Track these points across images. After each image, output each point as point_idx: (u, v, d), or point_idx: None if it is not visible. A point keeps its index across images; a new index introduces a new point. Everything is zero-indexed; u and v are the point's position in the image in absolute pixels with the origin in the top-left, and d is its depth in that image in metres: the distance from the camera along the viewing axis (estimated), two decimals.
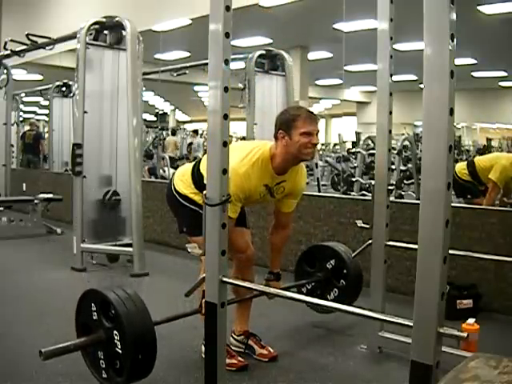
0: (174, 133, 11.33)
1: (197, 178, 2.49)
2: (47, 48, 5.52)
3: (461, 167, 4.53)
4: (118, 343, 2.06)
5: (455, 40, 1.45)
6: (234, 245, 2.51)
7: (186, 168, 2.65)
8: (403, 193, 6.86)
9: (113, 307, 2.09)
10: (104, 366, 2.14)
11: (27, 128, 10.04)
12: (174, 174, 2.76)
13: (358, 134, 9.04)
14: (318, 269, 3.11)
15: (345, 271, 3.03)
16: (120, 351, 2.06)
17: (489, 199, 4.25)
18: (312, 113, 2.40)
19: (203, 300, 2.09)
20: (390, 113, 2.60)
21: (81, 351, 2.23)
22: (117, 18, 4.62)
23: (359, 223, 2.81)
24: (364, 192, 6.78)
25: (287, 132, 2.34)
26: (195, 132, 11.54)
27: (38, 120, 11.71)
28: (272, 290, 2.28)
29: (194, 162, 2.63)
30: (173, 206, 2.69)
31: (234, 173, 2.21)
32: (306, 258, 3.19)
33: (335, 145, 11.58)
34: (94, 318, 2.17)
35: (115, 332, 2.07)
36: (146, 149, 9.15)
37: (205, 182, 2.06)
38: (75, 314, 2.28)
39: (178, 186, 2.60)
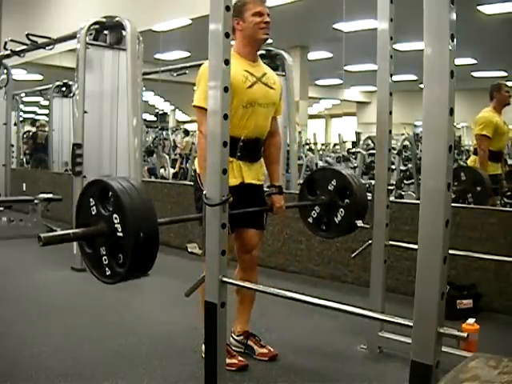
0: (187, 133, 11.64)
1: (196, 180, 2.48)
2: (47, 48, 5.52)
3: (471, 160, 4.49)
4: (120, 233, 1.89)
5: (455, 40, 1.45)
6: (240, 243, 2.51)
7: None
8: (403, 193, 6.86)
9: (114, 195, 1.91)
10: (107, 262, 1.97)
11: (32, 129, 10.06)
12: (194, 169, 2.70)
13: (357, 134, 9.04)
14: (320, 193, 2.92)
15: (348, 191, 2.84)
16: (122, 237, 1.89)
17: (480, 153, 4.20)
18: None
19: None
20: (390, 113, 2.60)
21: (81, 252, 2.08)
22: (117, 18, 4.62)
23: (359, 223, 2.81)
24: None
25: (240, 17, 2.46)
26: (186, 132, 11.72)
27: (38, 120, 11.72)
28: (272, 290, 2.27)
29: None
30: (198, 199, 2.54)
31: (204, 69, 2.27)
32: (307, 185, 3.01)
33: (335, 145, 11.57)
34: (93, 212, 1.98)
35: (116, 217, 1.90)
36: (147, 146, 9.18)
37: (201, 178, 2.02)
38: (75, 212, 2.09)
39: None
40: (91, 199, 1.98)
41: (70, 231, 1.99)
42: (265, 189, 2.69)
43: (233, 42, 2.47)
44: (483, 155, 4.19)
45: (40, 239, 1.88)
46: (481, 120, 4.24)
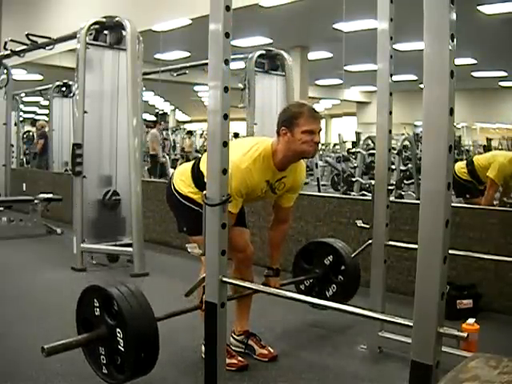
0: (191, 133, 11.98)
1: (197, 177, 2.49)
2: (47, 48, 5.52)
3: (460, 166, 4.53)
4: (121, 340, 2.04)
5: (455, 40, 1.45)
6: (233, 242, 2.51)
7: (185, 167, 2.65)
8: (403, 193, 6.86)
9: (116, 303, 2.06)
10: (105, 362, 2.12)
11: (32, 129, 10.04)
12: (173, 173, 2.75)
13: (357, 134, 9.04)
14: (315, 265, 3.09)
15: (343, 267, 3.00)
16: (122, 348, 2.05)
17: (487, 197, 4.25)
18: (315, 110, 2.40)
19: (203, 296, 2.08)
20: (390, 113, 2.60)
21: (81, 347, 2.22)
22: (117, 18, 4.62)
23: (359, 223, 2.81)
24: (364, 192, 6.78)
25: (289, 129, 2.34)
26: (190, 133, 11.80)
27: (38, 120, 11.71)
28: (271, 290, 2.28)
29: (193, 161, 2.63)
30: (173, 206, 2.68)
31: (236, 168, 2.21)
32: (303, 255, 3.16)
33: (335, 145, 11.59)
34: (96, 313, 2.15)
35: (118, 330, 2.06)
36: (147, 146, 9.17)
37: (205, 180, 2.05)
38: (76, 310, 2.26)
39: (177, 185, 2.59)
40: (95, 300, 2.15)
41: (73, 339, 2.16)
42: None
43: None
44: (490, 200, 4.26)
45: (43, 350, 2.05)
46: (501, 168, 4.24)
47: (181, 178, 2.60)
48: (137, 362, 2.03)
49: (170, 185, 2.65)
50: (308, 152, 2.37)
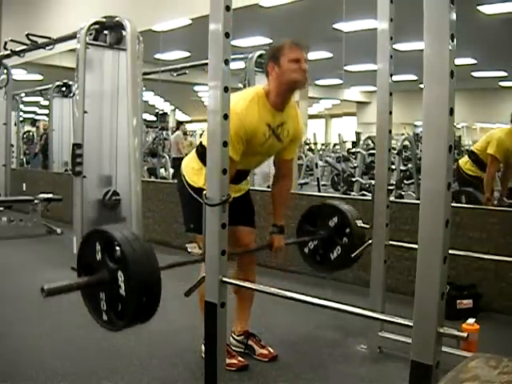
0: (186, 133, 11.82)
1: (202, 153, 2.42)
2: (47, 48, 5.51)
3: (464, 161, 4.50)
4: (122, 284, 1.94)
5: (455, 40, 1.45)
6: (239, 241, 2.56)
7: (190, 155, 2.63)
8: (403, 193, 6.86)
9: (119, 246, 1.96)
10: (105, 308, 2.02)
11: (33, 129, 10.05)
12: (181, 167, 2.66)
13: (357, 134, 9.05)
14: (319, 227, 2.95)
15: (348, 229, 2.87)
16: (123, 292, 1.94)
17: (488, 174, 4.22)
18: (297, 40, 2.39)
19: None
20: (390, 113, 2.60)
21: (81, 292, 2.13)
22: (117, 18, 4.62)
23: (359, 223, 2.81)
24: (364, 192, 6.79)
25: (276, 62, 2.35)
26: (185, 134, 11.76)
27: (38, 120, 11.72)
28: (272, 290, 2.27)
29: (194, 148, 2.64)
30: (183, 200, 2.61)
31: (233, 113, 2.15)
32: (307, 218, 3.02)
33: (335, 145, 11.59)
34: (98, 258, 2.03)
35: (119, 273, 1.95)
36: (150, 147, 9.17)
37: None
38: (77, 255, 2.15)
39: (189, 177, 2.53)
40: (97, 244, 2.03)
41: (74, 281, 2.07)
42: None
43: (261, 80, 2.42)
44: (491, 177, 4.23)
45: (43, 290, 1.95)
46: (497, 142, 4.21)
47: (190, 167, 2.55)
48: (137, 306, 1.92)
49: (180, 178, 2.60)
50: (298, 80, 2.35)
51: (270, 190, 2.75)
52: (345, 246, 2.85)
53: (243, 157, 2.36)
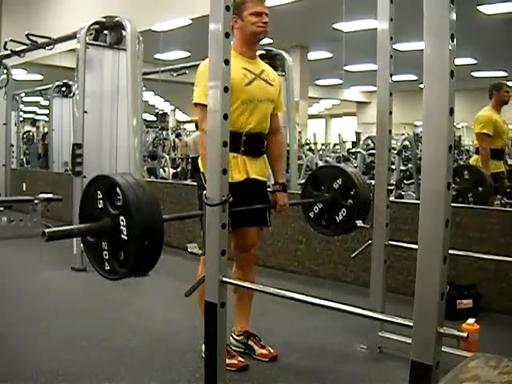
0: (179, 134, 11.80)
1: None
2: (47, 48, 5.52)
3: (475, 159, 4.47)
4: (124, 228, 1.89)
5: (455, 40, 1.45)
6: (241, 240, 2.56)
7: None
8: (403, 193, 6.86)
9: (121, 191, 1.89)
10: (107, 257, 1.97)
11: (32, 129, 10.04)
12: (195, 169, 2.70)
13: (357, 134, 9.05)
14: (324, 190, 2.89)
15: (353, 190, 2.80)
16: (125, 237, 1.89)
17: (482, 150, 4.20)
18: None
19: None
20: (390, 113, 2.60)
21: (83, 243, 2.06)
22: (117, 18, 4.62)
23: (359, 223, 2.81)
24: None
25: (239, 16, 2.49)
26: (179, 135, 11.73)
27: (38, 120, 11.71)
28: (272, 290, 2.27)
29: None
30: (199, 194, 2.50)
31: (203, 67, 2.25)
32: (312, 182, 2.96)
33: (335, 145, 11.57)
34: (100, 206, 1.96)
35: (121, 217, 1.89)
36: (149, 149, 9.15)
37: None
38: (80, 206, 2.04)
39: (203, 170, 2.48)
40: (99, 192, 1.96)
41: (75, 226, 1.99)
42: (268, 185, 2.69)
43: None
44: (485, 154, 4.19)
45: (44, 234, 1.85)
46: (480, 119, 4.24)
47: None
48: (140, 250, 1.88)
49: (198, 173, 2.59)
50: (259, 32, 2.50)
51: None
52: (350, 208, 2.79)
53: (244, 112, 2.45)
